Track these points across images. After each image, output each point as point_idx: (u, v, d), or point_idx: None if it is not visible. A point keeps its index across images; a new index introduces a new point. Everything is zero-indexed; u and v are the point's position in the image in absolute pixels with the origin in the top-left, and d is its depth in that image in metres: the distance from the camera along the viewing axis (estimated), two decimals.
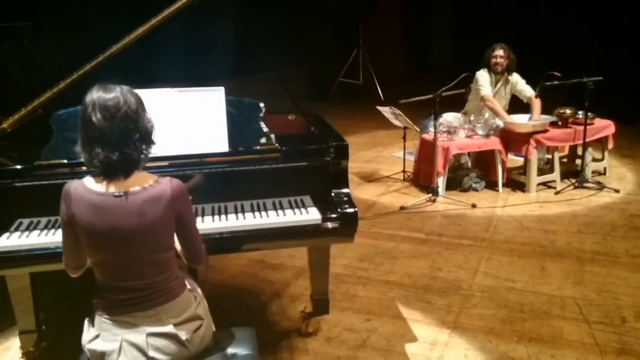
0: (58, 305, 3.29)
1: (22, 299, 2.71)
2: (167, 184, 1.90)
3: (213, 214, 2.56)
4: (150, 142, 1.97)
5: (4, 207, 2.45)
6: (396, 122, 5.62)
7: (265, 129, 2.71)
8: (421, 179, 5.50)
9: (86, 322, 1.99)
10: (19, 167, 2.49)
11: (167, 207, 1.88)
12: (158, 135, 2.58)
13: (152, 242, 1.88)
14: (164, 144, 2.58)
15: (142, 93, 2.65)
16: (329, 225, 2.54)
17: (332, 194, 2.64)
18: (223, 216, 2.54)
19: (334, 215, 2.55)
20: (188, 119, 2.65)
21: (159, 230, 1.89)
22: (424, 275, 3.76)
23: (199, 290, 2.26)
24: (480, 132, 5.36)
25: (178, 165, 2.55)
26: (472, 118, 5.47)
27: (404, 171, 5.80)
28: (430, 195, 5.10)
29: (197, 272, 2.76)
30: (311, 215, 2.56)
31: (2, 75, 7.29)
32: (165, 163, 2.55)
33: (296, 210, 2.60)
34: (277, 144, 2.67)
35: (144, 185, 1.88)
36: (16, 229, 2.42)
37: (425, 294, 3.52)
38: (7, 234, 2.38)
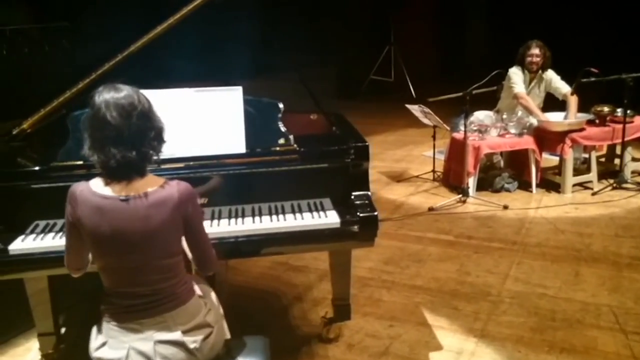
0: (77, 307, 3.28)
1: (40, 301, 2.70)
2: (174, 187, 1.84)
3: (230, 217, 2.50)
4: (162, 141, 1.92)
5: (21, 208, 2.44)
6: (426, 121, 5.48)
7: (283, 130, 2.64)
8: (451, 179, 5.36)
9: (94, 330, 1.95)
10: (36, 168, 2.47)
11: (174, 212, 1.82)
12: (175, 136, 2.56)
13: (158, 247, 1.83)
14: (180, 145, 2.55)
15: (160, 93, 2.64)
16: (348, 229, 2.46)
17: (352, 197, 2.55)
18: (240, 219, 2.48)
19: (353, 219, 2.47)
20: (205, 120, 2.60)
21: (166, 235, 1.83)
22: (451, 280, 3.64)
23: (213, 295, 2.21)
24: (512, 130, 5.18)
25: (194, 167, 2.50)
26: (504, 116, 5.29)
27: (433, 171, 5.66)
28: (460, 196, 4.96)
29: (214, 275, 2.71)
30: (330, 218, 2.47)
31: (43, 74, 7.41)
32: (181, 164, 2.50)
33: (314, 213, 2.51)
34: (295, 145, 2.60)
35: (151, 188, 1.82)
36: (32, 231, 2.40)
37: (452, 300, 3.40)
38: (22, 236, 2.36)
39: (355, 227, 2.45)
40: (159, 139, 1.90)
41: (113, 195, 1.79)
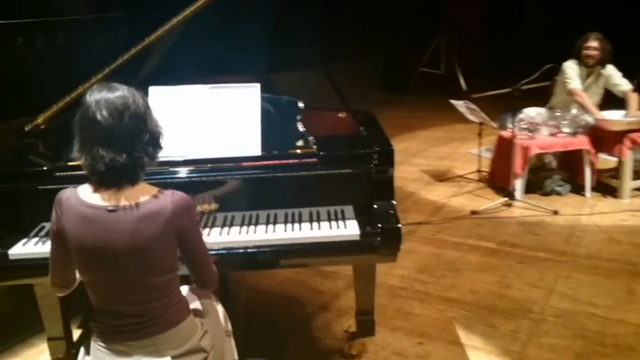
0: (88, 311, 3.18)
1: (49, 305, 2.59)
2: (168, 198, 1.67)
3: (242, 224, 2.32)
4: (158, 145, 1.75)
5: (26, 210, 2.34)
6: (472, 117, 5.16)
7: (302, 130, 2.43)
8: (497, 180, 5.03)
9: (82, 350, 1.81)
10: (44, 168, 2.36)
11: (167, 225, 1.65)
12: (186, 136, 2.39)
13: (147, 264, 1.66)
14: (192, 146, 2.38)
15: (174, 90, 2.48)
16: (369, 241, 2.24)
17: (375, 206, 2.32)
18: (252, 227, 2.29)
19: (374, 231, 2.24)
20: (219, 118, 2.42)
21: (156, 251, 1.66)
22: (490, 293, 3.36)
23: (219, 311, 2.05)
24: (566, 129, 4.80)
25: (205, 171, 2.33)
26: (557, 114, 4.92)
27: (479, 171, 5.33)
28: (506, 199, 4.63)
29: (227, 284, 2.55)
30: (349, 229, 2.26)
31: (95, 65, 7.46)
32: (192, 167, 2.34)
33: (333, 223, 2.31)
34: (315, 147, 2.39)
35: (143, 198, 1.65)
36: (36, 234, 2.29)
37: (489, 316, 3.12)
38: (24, 240, 2.26)
39: (376, 239, 2.23)
40: (154, 144, 1.73)
41: (100, 204, 1.64)
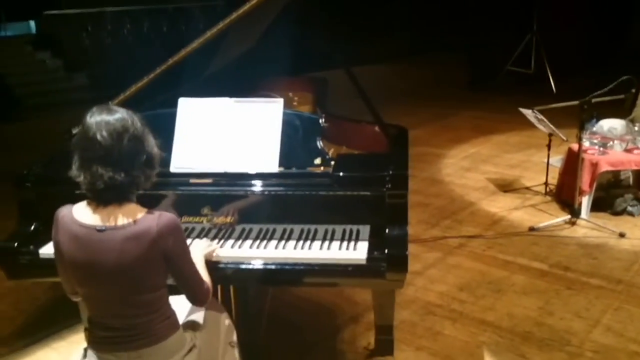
0: None
1: None
2: (154, 220, 1.74)
3: (257, 238, 2.36)
4: (154, 167, 1.83)
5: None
6: (541, 127, 4.91)
7: (320, 147, 2.43)
8: (564, 194, 4.75)
9: (80, 352, 1.93)
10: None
11: (151, 246, 1.72)
12: (207, 148, 2.46)
13: (133, 282, 1.74)
14: (211, 158, 2.45)
15: (200, 102, 2.55)
16: (374, 266, 2.21)
17: (387, 231, 2.28)
18: (263, 242, 2.34)
19: (381, 256, 2.21)
20: (240, 132, 2.47)
21: (142, 269, 1.74)
22: (528, 319, 3.20)
23: (223, 321, 2.12)
24: None
25: (222, 184, 2.39)
26: (637, 128, 4.57)
27: (546, 183, 5.07)
28: (570, 216, 4.38)
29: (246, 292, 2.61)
30: (357, 253, 2.24)
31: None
32: (209, 180, 2.41)
33: (344, 244, 2.30)
34: (331, 166, 2.39)
35: (131, 219, 1.73)
36: None
37: (522, 344, 2.99)
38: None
39: (382, 265, 2.20)
40: (150, 165, 1.81)
41: (90, 224, 1.74)
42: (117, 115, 1.75)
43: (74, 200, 2.38)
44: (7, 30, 12.13)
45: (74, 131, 2.92)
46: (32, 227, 2.48)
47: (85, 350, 1.91)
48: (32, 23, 12.06)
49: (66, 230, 1.75)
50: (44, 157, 2.71)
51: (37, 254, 2.38)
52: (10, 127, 8.62)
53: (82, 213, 1.76)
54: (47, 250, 2.37)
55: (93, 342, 1.85)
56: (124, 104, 2.04)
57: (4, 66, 10.21)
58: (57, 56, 11.14)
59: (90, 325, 1.86)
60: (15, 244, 2.40)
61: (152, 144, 1.81)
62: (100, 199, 1.75)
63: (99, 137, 1.71)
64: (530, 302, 3.38)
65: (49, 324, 3.31)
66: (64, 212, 1.79)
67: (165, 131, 2.42)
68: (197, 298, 1.90)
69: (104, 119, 1.74)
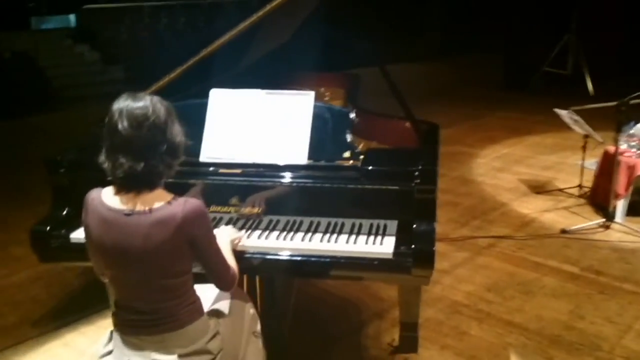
0: None
1: None
2: (179, 207, 1.75)
3: (284, 230, 2.36)
4: (176, 156, 1.83)
5: None
6: (576, 128, 4.80)
7: (349, 141, 2.43)
8: (599, 197, 4.65)
9: (107, 334, 1.96)
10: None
11: (177, 232, 1.73)
12: (237, 139, 2.48)
13: (158, 267, 1.76)
14: (241, 149, 2.46)
15: (232, 93, 2.57)
16: (401, 261, 2.18)
17: (415, 226, 2.26)
18: (290, 234, 2.34)
19: (407, 252, 2.19)
20: (271, 124, 2.48)
21: (167, 255, 1.75)
22: (557, 322, 3.14)
23: (248, 310, 2.13)
24: None
25: (251, 175, 2.40)
26: None
27: (580, 186, 4.96)
28: (604, 220, 4.28)
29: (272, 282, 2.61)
30: (383, 247, 2.22)
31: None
32: (239, 170, 2.42)
33: (371, 238, 2.28)
34: (360, 160, 2.37)
35: (157, 204, 1.75)
36: None
37: (549, 347, 2.93)
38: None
39: (409, 260, 2.18)
40: (173, 154, 1.81)
41: (118, 208, 1.76)
42: (140, 103, 1.75)
43: (106, 186, 2.44)
44: (49, 23, 12.43)
45: (107, 120, 2.99)
46: (65, 212, 2.53)
47: (111, 333, 1.94)
48: (72, 16, 12.33)
49: (95, 213, 1.78)
50: (77, 144, 2.75)
51: (68, 238, 2.42)
52: (49, 117, 8.84)
53: (110, 197, 1.79)
54: (78, 235, 2.41)
55: (119, 325, 1.88)
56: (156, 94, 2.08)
57: (44, 58, 10.46)
58: (95, 49, 11.37)
59: (117, 309, 1.89)
60: (48, 228, 2.45)
61: (175, 133, 1.81)
62: (123, 185, 1.77)
63: (119, 126, 1.72)
64: (560, 305, 3.31)
65: (79, 308, 3.38)
66: (93, 195, 1.82)
67: (196, 121, 2.46)
68: (223, 283, 1.91)
69: (128, 105, 1.74)
